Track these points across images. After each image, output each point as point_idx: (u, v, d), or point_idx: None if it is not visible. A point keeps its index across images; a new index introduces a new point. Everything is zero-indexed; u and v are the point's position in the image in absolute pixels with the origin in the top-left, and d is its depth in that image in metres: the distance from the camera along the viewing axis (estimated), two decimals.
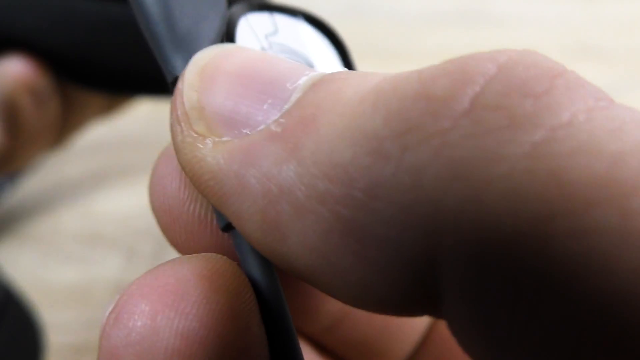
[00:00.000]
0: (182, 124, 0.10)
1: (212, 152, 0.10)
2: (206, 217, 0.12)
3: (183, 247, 0.13)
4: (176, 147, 0.11)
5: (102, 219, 0.37)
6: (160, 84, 0.24)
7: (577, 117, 0.08)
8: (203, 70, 0.11)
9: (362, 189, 0.08)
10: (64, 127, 0.26)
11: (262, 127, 0.10)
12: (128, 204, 0.37)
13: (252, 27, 0.12)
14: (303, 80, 0.10)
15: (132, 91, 0.24)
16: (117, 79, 0.24)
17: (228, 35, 0.12)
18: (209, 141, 0.10)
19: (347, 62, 0.13)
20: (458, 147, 0.08)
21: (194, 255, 0.11)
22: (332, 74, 0.10)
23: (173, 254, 0.27)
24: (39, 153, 0.25)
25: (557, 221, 0.08)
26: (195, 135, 0.10)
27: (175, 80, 0.11)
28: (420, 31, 0.54)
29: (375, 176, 0.08)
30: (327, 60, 0.13)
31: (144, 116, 0.41)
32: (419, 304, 0.09)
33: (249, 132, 0.10)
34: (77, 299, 0.32)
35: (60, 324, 0.31)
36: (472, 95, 0.09)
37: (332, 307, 0.14)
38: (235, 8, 0.12)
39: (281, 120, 0.10)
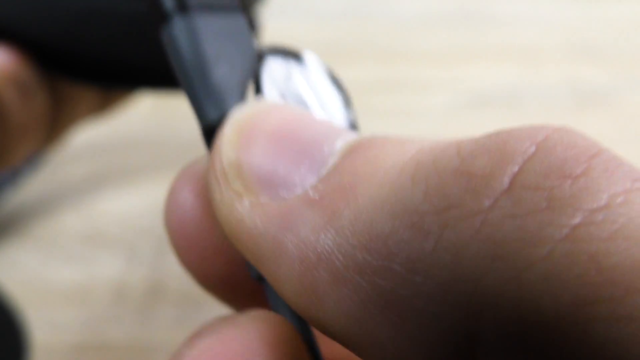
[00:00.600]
0: (221, 181, 0.10)
1: (250, 213, 0.10)
2: (224, 246, 0.12)
3: (197, 271, 0.13)
4: (214, 203, 0.11)
5: (103, 219, 0.37)
6: (148, 75, 0.24)
7: (615, 199, 0.08)
8: (241, 129, 0.11)
9: (401, 263, 0.08)
10: (54, 122, 0.25)
11: (299, 191, 0.10)
12: (129, 204, 0.38)
13: (271, 73, 0.13)
14: (340, 144, 0.10)
15: (120, 83, 0.24)
16: (104, 70, 0.23)
17: (256, 84, 0.12)
18: (246, 202, 0.10)
19: (348, 104, 0.14)
20: (498, 226, 0.08)
21: (254, 314, 0.11)
22: (369, 139, 0.10)
23: (173, 255, 0.27)
24: (29, 149, 0.25)
25: (597, 306, 0.08)
26: (233, 194, 0.10)
27: (207, 127, 0.12)
28: (420, 31, 0.54)
29: (414, 251, 0.08)
30: (332, 104, 0.13)
31: (144, 116, 0.41)
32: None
33: (286, 195, 0.10)
34: (77, 299, 0.32)
35: (60, 324, 0.31)
36: (512, 174, 0.09)
37: None
38: (259, 54, 0.13)
39: (319, 186, 0.10)
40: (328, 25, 0.55)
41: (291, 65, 0.13)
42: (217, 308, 0.32)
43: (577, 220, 0.08)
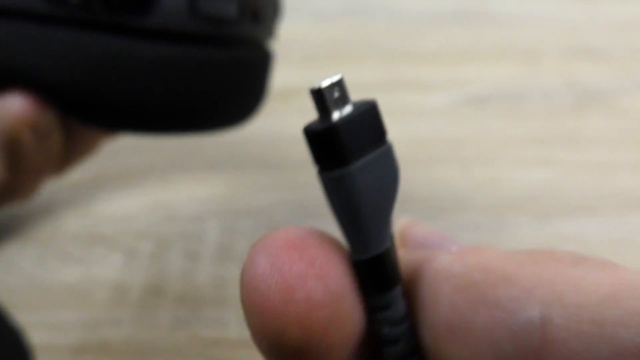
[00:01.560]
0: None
1: (406, 254, 0.15)
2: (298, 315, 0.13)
3: (268, 336, 0.14)
4: None
5: (102, 220, 0.37)
6: (164, 121, 0.24)
7: None
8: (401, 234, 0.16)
9: (501, 277, 0.13)
10: (66, 158, 0.25)
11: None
12: (128, 205, 0.38)
13: None
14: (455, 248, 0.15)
15: (136, 129, 0.24)
16: (120, 116, 0.23)
17: None
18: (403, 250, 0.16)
19: None
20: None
21: None
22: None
23: (173, 254, 0.27)
24: (42, 184, 0.25)
25: None
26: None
27: (356, 262, 0.14)
28: (420, 31, 0.54)
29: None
30: None
31: None
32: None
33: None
34: (77, 299, 0.32)
35: (60, 324, 0.31)
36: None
37: None
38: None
39: (457, 249, 0.14)
40: (328, 25, 0.55)
41: None
42: (215, 309, 0.32)
43: None
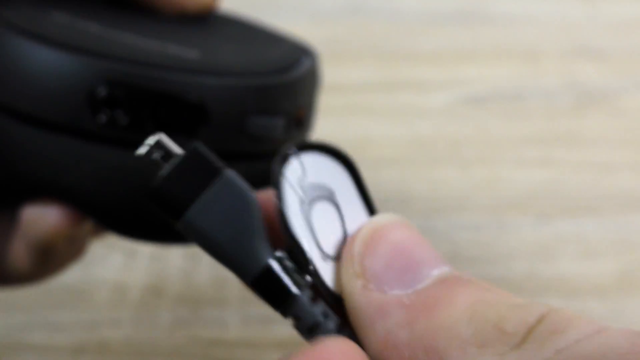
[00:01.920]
0: (349, 261, 0.15)
1: (359, 291, 0.15)
2: None
3: None
4: (342, 271, 0.15)
5: None
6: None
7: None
8: (370, 238, 0.15)
9: None
10: (88, 244, 0.26)
11: (397, 293, 0.14)
12: None
13: (288, 180, 0.15)
14: (435, 273, 0.14)
15: (178, 242, 0.24)
16: (162, 236, 0.23)
17: (280, 208, 0.15)
18: (359, 282, 0.15)
19: (360, 186, 0.17)
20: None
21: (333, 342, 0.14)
22: (456, 278, 0.14)
23: (172, 254, 0.27)
24: (64, 270, 0.25)
25: None
26: (354, 273, 0.15)
27: (253, 282, 0.15)
28: (420, 31, 0.54)
29: None
30: (346, 189, 0.16)
31: None
32: None
33: (387, 291, 0.14)
34: (77, 299, 0.32)
35: (60, 324, 0.31)
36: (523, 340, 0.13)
37: None
38: (274, 169, 0.15)
39: (412, 296, 0.14)
40: (328, 25, 0.55)
41: (306, 159, 0.16)
42: (215, 309, 0.32)
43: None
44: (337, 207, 0.16)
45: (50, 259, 0.23)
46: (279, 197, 0.15)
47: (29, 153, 0.21)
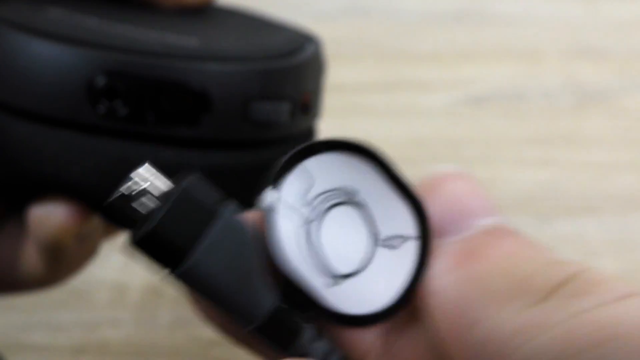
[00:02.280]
0: None
1: None
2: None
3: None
4: None
5: None
6: None
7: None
8: (432, 181, 0.16)
9: (472, 315, 0.13)
10: (99, 244, 0.25)
11: (445, 240, 0.14)
12: None
13: (285, 202, 0.14)
14: (482, 223, 0.14)
15: None
16: None
17: (272, 241, 0.14)
18: None
19: (392, 175, 0.15)
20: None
21: None
22: (501, 230, 0.14)
23: None
24: (76, 273, 0.25)
25: None
26: None
27: (253, 330, 0.14)
28: (420, 31, 0.54)
29: (483, 311, 0.13)
30: (373, 184, 0.15)
31: None
32: None
33: (439, 238, 0.14)
34: (77, 299, 0.32)
35: (59, 324, 0.31)
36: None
37: None
38: (264, 204, 0.14)
39: (456, 244, 0.14)
40: (328, 25, 0.55)
41: (312, 165, 0.14)
42: None
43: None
44: (363, 207, 0.15)
45: (61, 259, 0.23)
46: (269, 231, 0.14)
47: (30, 150, 0.20)
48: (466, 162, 0.41)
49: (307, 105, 0.22)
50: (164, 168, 0.21)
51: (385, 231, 0.15)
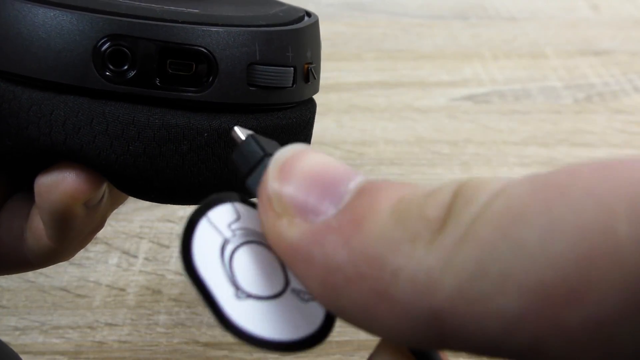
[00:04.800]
0: (266, 205, 0.15)
1: (287, 229, 0.14)
2: None
3: None
4: (262, 221, 0.15)
5: None
6: (204, 192, 0.23)
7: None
8: (282, 167, 0.15)
9: (389, 272, 0.13)
10: (107, 216, 0.25)
11: (324, 218, 0.14)
12: (125, 207, 0.37)
13: (212, 223, 0.15)
14: (352, 186, 0.14)
15: (192, 202, 0.23)
16: (176, 192, 0.23)
17: (185, 244, 0.15)
18: (285, 221, 0.14)
19: None
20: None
21: None
22: (371, 185, 0.14)
23: (170, 256, 0.27)
24: (84, 246, 0.25)
25: None
26: (275, 215, 0.14)
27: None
28: (420, 30, 0.54)
29: (396, 264, 0.13)
30: None
31: None
32: (424, 341, 0.13)
33: (314, 220, 0.14)
34: (75, 302, 0.32)
35: (59, 325, 0.31)
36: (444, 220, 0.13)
37: None
38: (193, 215, 0.15)
39: (339, 216, 0.14)
40: (328, 25, 0.55)
41: (240, 207, 0.16)
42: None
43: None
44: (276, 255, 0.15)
45: (70, 230, 0.22)
46: (187, 235, 0.15)
47: (38, 117, 0.21)
48: (466, 162, 0.41)
49: (307, 75, 0.23)
50: (171, 131, 0.21)
51: (295, 284, 0.15)
